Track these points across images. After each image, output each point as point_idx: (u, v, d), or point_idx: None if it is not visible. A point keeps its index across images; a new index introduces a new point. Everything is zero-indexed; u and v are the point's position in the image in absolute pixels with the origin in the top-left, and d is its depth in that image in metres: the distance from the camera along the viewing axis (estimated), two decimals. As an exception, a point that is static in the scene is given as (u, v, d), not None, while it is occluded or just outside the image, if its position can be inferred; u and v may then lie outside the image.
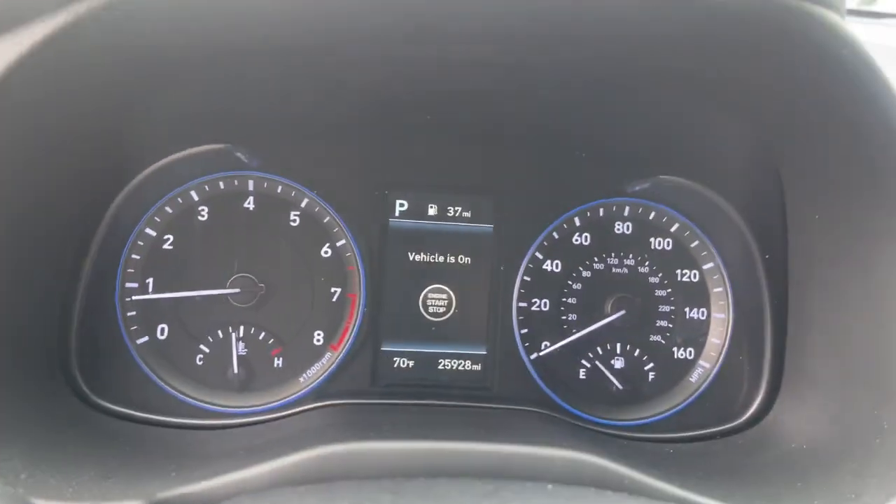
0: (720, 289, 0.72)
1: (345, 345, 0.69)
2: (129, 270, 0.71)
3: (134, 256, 0.71)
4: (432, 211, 0.71)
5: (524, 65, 0.63)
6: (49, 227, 0.66)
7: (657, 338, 0.74)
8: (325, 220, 0.72)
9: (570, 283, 0.71)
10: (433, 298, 0.72)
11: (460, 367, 0.71)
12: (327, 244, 0.72)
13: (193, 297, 0.71)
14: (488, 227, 0.71)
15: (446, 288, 0.71)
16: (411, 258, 0.71)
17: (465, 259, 0.71)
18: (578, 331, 0.71)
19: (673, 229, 0.73)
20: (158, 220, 0.72)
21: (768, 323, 0.73)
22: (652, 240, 0.73)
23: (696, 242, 0.73)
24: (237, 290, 0.70)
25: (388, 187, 0.70)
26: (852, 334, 0.64)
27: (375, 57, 0.63)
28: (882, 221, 0.59)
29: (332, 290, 0.72)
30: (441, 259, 0.71)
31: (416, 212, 0.70)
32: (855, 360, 0.63)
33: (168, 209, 0.71)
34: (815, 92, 0.53)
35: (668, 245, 0.73)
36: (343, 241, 0.70)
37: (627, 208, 0.73)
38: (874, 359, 0.61)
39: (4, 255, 0.59)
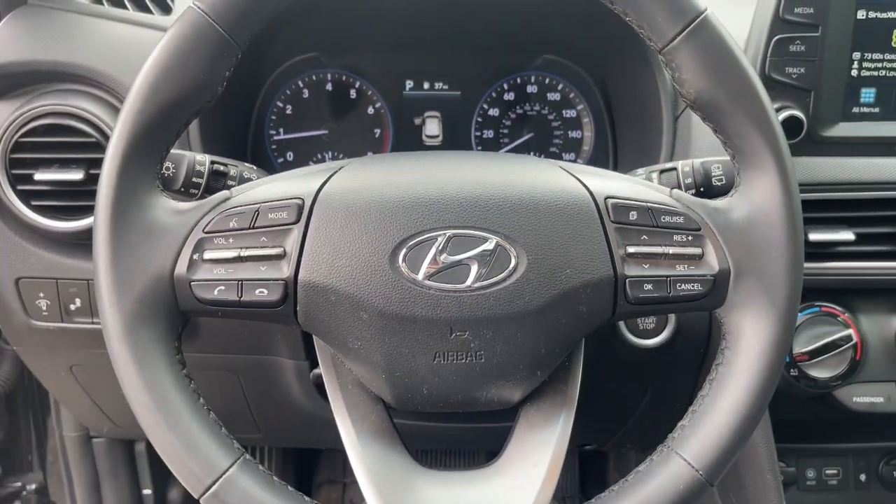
0: (587, 119, 1.11)
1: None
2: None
3: (272, 117, 1.04)
4: (426, 86, 1.06)
5: None
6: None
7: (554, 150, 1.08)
8: (369, 93, 1.05)
9: (503, 120, 1.08)
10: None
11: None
12: (370, 106, 1.05)
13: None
14: (457, 93, 1.06)
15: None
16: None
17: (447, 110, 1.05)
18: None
19: (559, 87, 1.11)
20: (282, 97, 1.04)
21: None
22: (547, 94, 1.10)
23: (571, 94, 1.11)
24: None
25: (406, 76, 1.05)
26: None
27: None
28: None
29: (375, 130, 1.06)
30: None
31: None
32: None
33: (287, 91, 1.03)
34: None
35: (557, 97, 1.11)
36: (379, 103, 1.05)
37: (533, 77, 1.10)
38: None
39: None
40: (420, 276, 0.57)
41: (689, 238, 0.59)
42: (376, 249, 0.57)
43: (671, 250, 0.59)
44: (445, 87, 1.05)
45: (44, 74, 0.81)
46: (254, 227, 0.59)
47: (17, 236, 0.85)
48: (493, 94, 1.07)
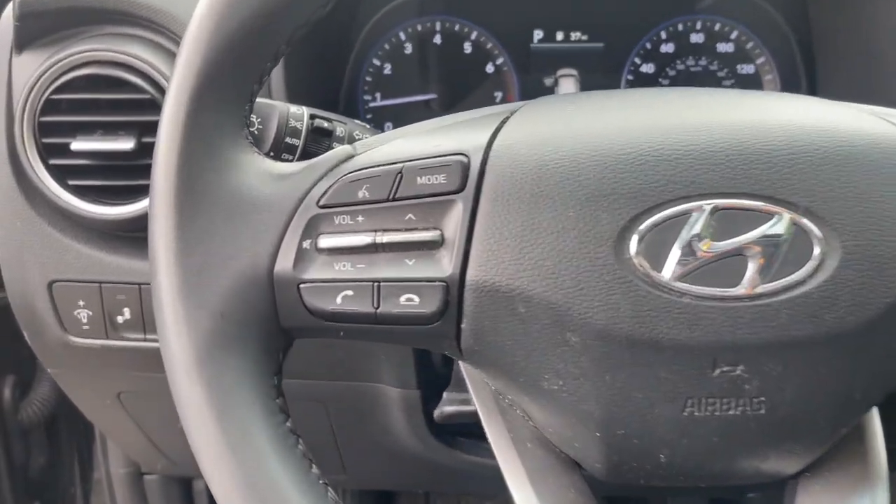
0: (769, 76, 0.92)
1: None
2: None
3: (367, 79, 0.93)
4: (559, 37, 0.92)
5: None
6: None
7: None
8: (488, 46, 0.91)
9: (659, 79, 0.92)
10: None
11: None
12: (489, 62, 0.92)
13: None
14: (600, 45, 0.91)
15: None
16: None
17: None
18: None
19: (733, 36, 0.92)
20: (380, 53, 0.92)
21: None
22: (717, 45, 0.92)
23: (750, 43, 0.92)
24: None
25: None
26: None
27: None
28: None
29: (495, 94, 0.93)
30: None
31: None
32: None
33: (386, 46, 0.92)
34: None
35: (730, 48, 0.92)
36: (501, 59, 0.91)
37: (699, 22, 0.91)
38: None
39: None
40: (666, 276, 0.42)
41: None
42: (593, 232, 0.42)
43: None
44: (584, 37, 0.90)
45: (84, 13, 0.69)
46: (395, 199, 0.44)
47: (49, 227, 0.74)
48: (647, 46, 0.91)
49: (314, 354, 0.78)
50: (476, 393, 0.51)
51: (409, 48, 0.92)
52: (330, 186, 0.43)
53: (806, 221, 0.41)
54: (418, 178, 0.43)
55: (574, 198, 0.42)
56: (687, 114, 0.45)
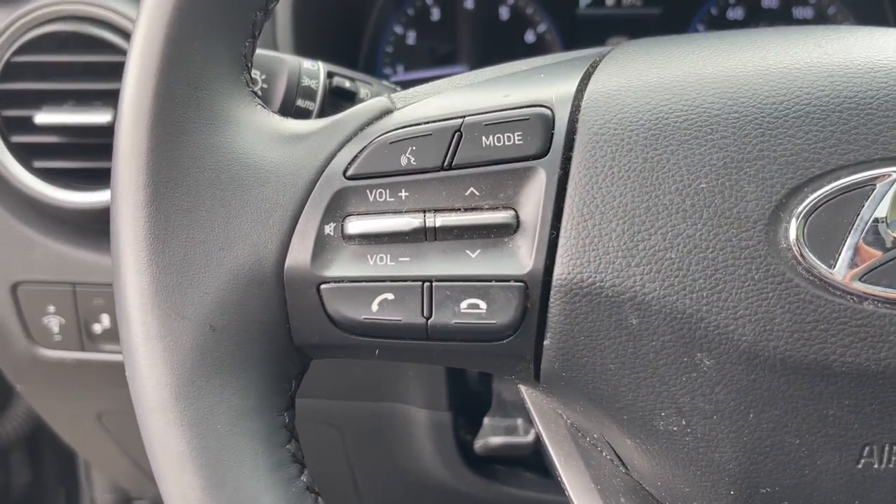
0: None
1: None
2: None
3: (387, 49, 0.85)
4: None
5: None
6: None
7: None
8: (529, 12, 0.82)
9: None
10: None
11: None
12: (530, 29, 0.84)
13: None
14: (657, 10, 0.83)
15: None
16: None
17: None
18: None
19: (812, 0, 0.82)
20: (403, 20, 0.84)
21: None
22: (793, 9, 0.82)
23: (832, 8, 0.81)
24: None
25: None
26: None
27: None
28: None
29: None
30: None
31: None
32: None
33: (409, 11, 0.83)
34: None
35: (808, 14, 0.82)
36: (544, 26, 0.83)
37: None
38: None
39: None
40: (839, 273, 0.30)
41: None
42: (734, 211, 0.30)
43: None
44: (639, 1, 0.82)
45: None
46: (451, 167, 0.33)
47: (12, 218, 0.66)
48: (713, 12, 0.82)
49: (331, 369, 0.69)
50: (545, 427, 0.41)
51: (435, 13, 0.83)
52: (361, 150, 0.33)
53: None
54: (484, 139, 0.32)
55: (706, 163, 0.31)
56: (854, 52, 0.33)
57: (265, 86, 0.45)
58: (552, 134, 0.32)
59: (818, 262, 0.30)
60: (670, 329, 0.30)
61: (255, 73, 0.44)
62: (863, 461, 0.31)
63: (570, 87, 0.33)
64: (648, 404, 0.32)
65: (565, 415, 0.39)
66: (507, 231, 0.32)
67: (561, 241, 0.31)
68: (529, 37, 0.83)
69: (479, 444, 0.66)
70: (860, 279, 0.30)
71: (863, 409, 0.30)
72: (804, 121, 0.31)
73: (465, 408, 0.71)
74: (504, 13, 0.82)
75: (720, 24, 0.83)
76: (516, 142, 0.32)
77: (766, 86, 0.32)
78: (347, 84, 0.47)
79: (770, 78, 0.32)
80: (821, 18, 0.82)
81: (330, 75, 0.47)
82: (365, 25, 0.82)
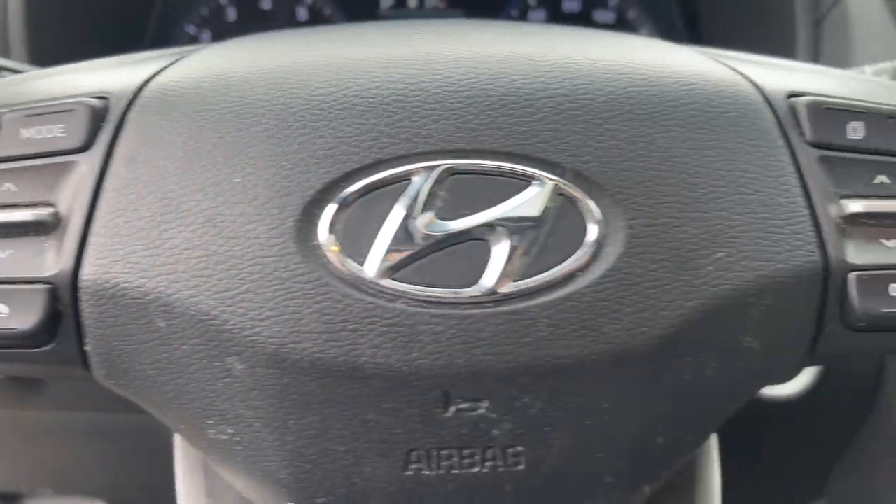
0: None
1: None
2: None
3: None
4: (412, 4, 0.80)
5: None
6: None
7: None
8: (327, 13, 0.78)
9: None
10: None
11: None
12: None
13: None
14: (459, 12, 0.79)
15: None
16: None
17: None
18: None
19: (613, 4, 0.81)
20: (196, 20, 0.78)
21: None
22: (594, 13, 0.81)
23: (632, 13, 0.80)
24: None
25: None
26: None
27: None
28: None
29: None
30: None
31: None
32: None
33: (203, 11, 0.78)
34: None
35: (610, 18, 0.81)
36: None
37: None
38: None
39: None
40: (370, 271, 0.28)
41: None
42: (266, 207, 0.29)
43: None
44: (442, 3, 0.79)
45: None
46: None
47: None
48: (513, 14, 0.80)
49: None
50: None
51: (231, 14, 0.80)
52: None
53: (577, 191, 0.28)
54: (23, 131, 0.30)
55: (245, 157, 0.29)
56: (422, 46, 0.32)
57: None
58: (100, 126, 0.30)
59: (349, 260, 0.28)
60: (198, 332, 0.28)
61: None
62: (412, 467, 0.29)
63: (140, 77, 0.32)
64: (195, 412, 0.30)
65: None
66: (42, 230, 0.29)
67: (91, 240, 0.29)
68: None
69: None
70: (391, 277, 0.28)
71: (402, 413, 0.29)
72: (349, 113, 0.29)
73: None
74: (302, 14, 0.79)
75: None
76: (58, 134, 0.30)
77: (319, 78, 0.30)
78: None
79: (328, 70, 0.31)
80: (622, 22, 0.81)
81: None
82: (145, 27, 0.77)
